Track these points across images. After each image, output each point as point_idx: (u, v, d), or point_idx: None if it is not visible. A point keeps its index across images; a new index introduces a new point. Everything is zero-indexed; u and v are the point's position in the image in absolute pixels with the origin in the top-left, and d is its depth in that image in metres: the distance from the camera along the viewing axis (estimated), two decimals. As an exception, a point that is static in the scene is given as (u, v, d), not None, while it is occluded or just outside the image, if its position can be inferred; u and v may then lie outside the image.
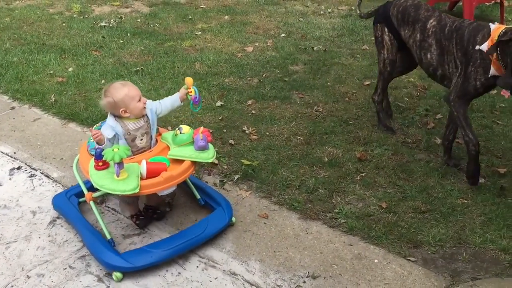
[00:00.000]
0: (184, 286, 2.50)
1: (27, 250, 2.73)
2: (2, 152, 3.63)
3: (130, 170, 2.53)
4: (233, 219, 2.90)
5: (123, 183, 2.46)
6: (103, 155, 2.45)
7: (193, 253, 2.69)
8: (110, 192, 2.51)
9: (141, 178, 2.53)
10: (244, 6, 7.17)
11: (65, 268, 2.60)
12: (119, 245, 2.74)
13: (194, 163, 2.71)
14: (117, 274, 2.54)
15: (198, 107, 2.89)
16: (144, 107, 2.71)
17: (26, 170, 3.42)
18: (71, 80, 4.73)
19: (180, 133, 2.77)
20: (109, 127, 2.66)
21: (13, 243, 2.78)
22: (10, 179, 3.34)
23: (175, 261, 2.64)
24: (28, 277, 2.55)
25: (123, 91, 2.64)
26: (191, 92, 2.85)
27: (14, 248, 2.74)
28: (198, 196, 3.01)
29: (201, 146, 2.70)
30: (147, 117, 2.76)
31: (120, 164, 2.45)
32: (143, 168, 2.53)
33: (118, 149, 2.43)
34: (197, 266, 2.61)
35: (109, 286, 2.50)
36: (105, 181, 2.49)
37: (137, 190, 2.45)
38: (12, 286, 2.50)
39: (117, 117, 2.69)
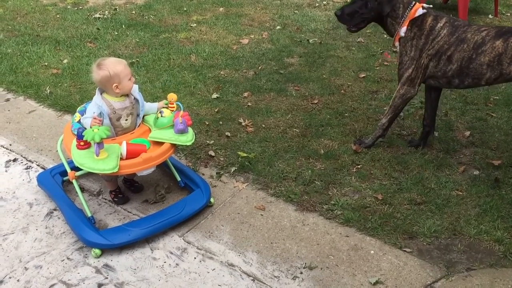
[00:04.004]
0: (182, 277, 2.51)
1: (25, 242, 2.73)
2: (-3, 144, 3.62)
3: (110, 150, 2.62)
4: (212, 200, 2.98)
5: (103, 162, 2.55)
6: (84, 135, 2.51)
7: (190, 244, 2.70)
8: (90, 170, 2.58)
9: (121, 159, 2.61)
10: (239, -2, 7.15)
11: (63, 260, 2.61)
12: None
13: (173, 145, 2.79)
14: (96, 251, 2.62)
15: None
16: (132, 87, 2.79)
17: (22, 162, 3.41)
18: (66, 72, 4.71)
19: (161, 116, 2.85)
20: (95, 105, 2.72)
21: (10, 235, 2.78)
22: (6, 171, 3.33)
23: (173, 252, 2.65)
24: (26, 268, 2.55)
25: (119, 66, 2.71)
26: (173, 108, 2.92)
27: (11, 240, 2.74)
28: (179, 178, 3.09)
29: (180, 130, 2.78)
30: (134, 98, 2.83)
31: (100, 144, 2.53)
32: (123, 149, 2.62)
33: (98, 129, 2.50)
34: (195, 258, 2.63)
35: (107, 277, 2.51)
36: (85, 160, 2.57)
37: (116, 170, 2.54)
38: (10, 277, 2.50)
39: (103, 95, 2.75)
